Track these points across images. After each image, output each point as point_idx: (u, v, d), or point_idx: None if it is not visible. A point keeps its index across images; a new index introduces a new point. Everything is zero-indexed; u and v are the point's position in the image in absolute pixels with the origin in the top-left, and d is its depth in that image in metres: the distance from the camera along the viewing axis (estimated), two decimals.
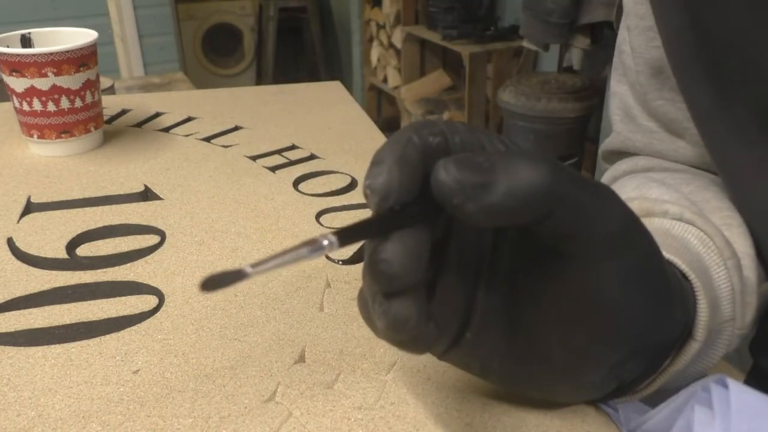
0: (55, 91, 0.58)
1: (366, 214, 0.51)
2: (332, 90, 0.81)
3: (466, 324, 0.27)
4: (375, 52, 2.91)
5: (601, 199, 0.23)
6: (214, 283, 0.20)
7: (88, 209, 0.51)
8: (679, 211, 0.36)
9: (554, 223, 0.22)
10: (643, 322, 0.26)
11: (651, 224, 0.36)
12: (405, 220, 0.23)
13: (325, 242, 0.21)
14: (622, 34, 0.45)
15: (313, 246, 0.21)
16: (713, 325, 0.32)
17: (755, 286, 0.35)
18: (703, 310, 0.30)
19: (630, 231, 0.25)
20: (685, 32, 0.35)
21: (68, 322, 0.38)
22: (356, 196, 0.54)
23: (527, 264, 0.26)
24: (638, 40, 0.43)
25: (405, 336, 0.23)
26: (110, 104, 0.73)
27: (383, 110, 3.13)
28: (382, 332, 0.24)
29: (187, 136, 0.66)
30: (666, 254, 0.32)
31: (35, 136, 0.60)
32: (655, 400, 0.31)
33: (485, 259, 0.27)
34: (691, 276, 0.31)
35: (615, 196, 0.24)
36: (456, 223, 0.22)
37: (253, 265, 0.20)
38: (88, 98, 0.60)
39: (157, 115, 0.72)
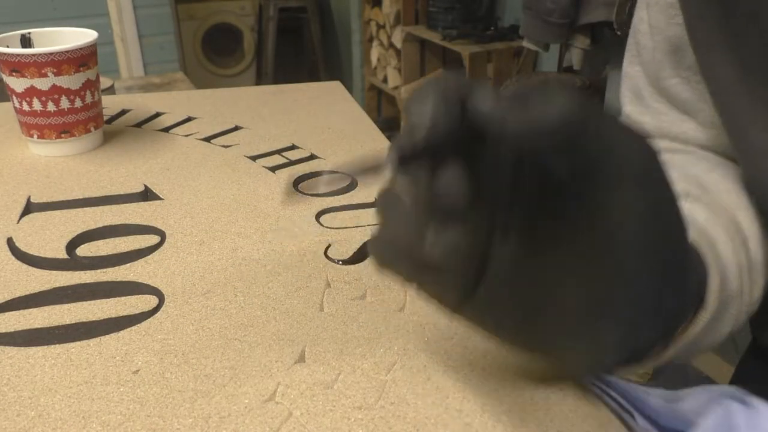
0: (55, 91, 0.58)
1: (365, 214, 0.51)
2: (332, 90, 0.81)
3: (481, 276, 0.27)
4: (375, 52, 2.91)
5: (627, 129, 0.24)
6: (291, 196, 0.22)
7: (88, 209, 0.51)
8: (685, 189, 0.36)
9: (584, 148, 0.23)
10: (661, 276, 0.26)
11: None
12: (446, 152, 0.23)
13: (389, 162, 0.22)
14: (639, 14, 0.46)
15: (375, 165, 0.23)
16: (722, 298, 0.32)
17: (761, 265, 0.35)
18: (714, 279, 0.30)
19: (654, 166, 0.25)
20: (710, 4, 0.35)
21: (68, 322, 0.38)
22: (356, 196, 0.54)
23: (545, 212, 0.26)
24: (658, 17, 0.43)
25: (453, 263, 0.24)
26: (110, 104, 0.73)
27: (383, 110, 3.13)
28: (432, 260, 0.24)
29: (187, 136, 0.66)
30: None
31: (35, 136, 0.60)
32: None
33: (501, 209, 0.26)
34: (702, 246, 0.31)
35: (638, 130, 0.24)
36: (472, 171, 0.23)
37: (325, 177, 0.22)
38: (88, 98, 0.60)
39: (157, 115, 0.72)
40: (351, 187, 0.55)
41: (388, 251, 0.26)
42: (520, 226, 0.26)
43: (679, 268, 0.27)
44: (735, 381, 0.48)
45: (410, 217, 0.24)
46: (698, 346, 0.33)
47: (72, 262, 0.44)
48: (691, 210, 0.35)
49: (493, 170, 0.25)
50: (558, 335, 0.27)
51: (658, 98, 0.45)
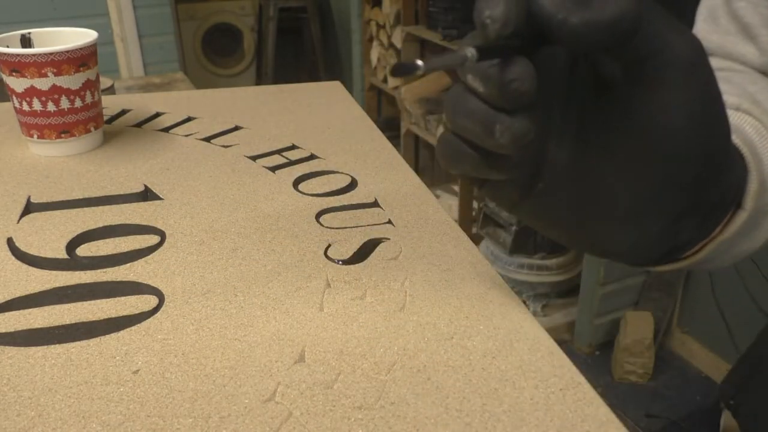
0: (55, 91, 0.58)
1: (365, 214, 0.51)
2: (332, 90, 0.81)
3: (538, 175, 0.29)
4: (375, 52, 2.91)
5: (677, 25, 0.26)
6: (398, 70, 0.25)
7: (88, 209, 0.51)
8: (736, 102, 0.37)
9: (637, 43, 0.25)
10: (703, 171, 0.28)
11: None
12: (515, 48, 0.26)
13: (469, 54, 0.25)
14: None
15: (460, 53, 0.25)
16: (761, 204, 0.33)
17: None
18: (753, 183, 0.32)
19: (700, 61, 0.27)
20: None
21: (68, 322, 0.38)
22: (356, 196, 0.54)
23: (598, 111, 0.28)
24: None
25: (520, 151, 0.27)
26: (110, 104, 0.73)
27: (383, 110, 3.12)
28: (500, 148, 0.26)
29: (187, 136, 0.66)
30: None
31: (35, 136, 0.60)
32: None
33: (557, 109, 0.28)
34: (744, 150, 0.33)
35: (687, 28, 0.26)
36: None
37: (424, 62, 0.25)
38: (88, 98, 0.60)
39: (157, 115, 0.72)
40: (351, 187, 0.55)
41: (456, 148, 0.28)
42: (576, 127, 0.28)
43: (720, 165, 0.29)
44: (750, 354, 0.49)
45: (481, 109, 0.26)
46: (736, 248, 0.34)
47: (72, 262, 0.44)
48: (740, 120, 0.36)
49: (553, 68, 0.27)
50: (606, 231, 0.30)
51: (728, 19, 0.47)
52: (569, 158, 0.29)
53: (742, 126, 0.36)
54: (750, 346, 0.55)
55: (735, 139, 0.33)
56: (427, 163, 2.71)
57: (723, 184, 0.30)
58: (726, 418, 0.59)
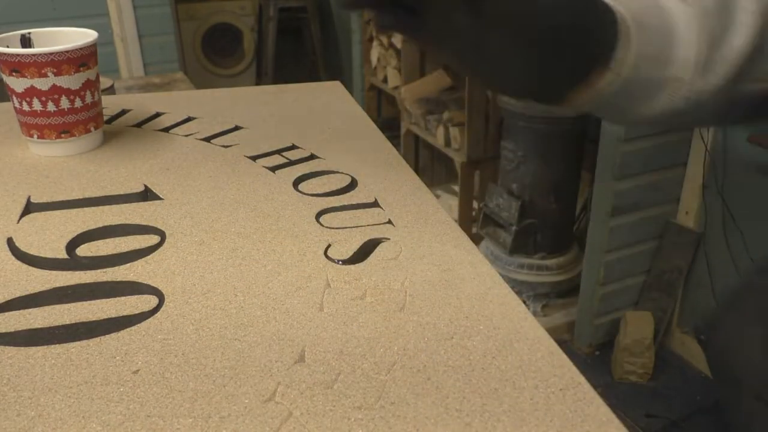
0: (55, 91, 0.58)
1: (365, 214, 0.51)
2: (332, 90, 0.81)
3: (454, 34, 0.38)
4: (375, 52, 2.91)
5: None
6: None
7: (88, 209, 0.51)
8: None
9: None
10: (572, 32, 0.37)
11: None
12: None
13: None
14: None
15: None
16: (655, 74, 0.40)
17: (740, 57, 0.40)
18: (623, 49, 0.38)
19: None
20: None
21: (68, 322, 0.38)
22: (356, 196, 0.54)
23: None
24: None
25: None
26: (110, 104, 0.73)
27: (383, 110, 3.12)
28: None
29: (187, 136, 0.66)
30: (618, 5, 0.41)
31: (35, 136, 0.60)
32: None
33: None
34: (629, 23, 0.38)
35: None
36: None
37: None
38: (88, 98, 0.60)
39: (157, 115, 0.72)
40: (351, 187, 0.55)
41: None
42: (476, 4, 0.37)
43: (586, 26, 0.38)
44: (727, 297, 0.52)
45: None
46: (623, 105, 0.41)
47: (72, 262, 0.44)
48: (681, 13, 0.40)
49: None
50: (505, 74, 0.39)
51: None
52: (473, 25, 0.37)
53: (677, 14, 0.40)
54: (730, 290, 0.58)
55: (622, 10, 0.39)
56: (427, 163, 2.70)
57: (591, 39, 0.38)
58: None
